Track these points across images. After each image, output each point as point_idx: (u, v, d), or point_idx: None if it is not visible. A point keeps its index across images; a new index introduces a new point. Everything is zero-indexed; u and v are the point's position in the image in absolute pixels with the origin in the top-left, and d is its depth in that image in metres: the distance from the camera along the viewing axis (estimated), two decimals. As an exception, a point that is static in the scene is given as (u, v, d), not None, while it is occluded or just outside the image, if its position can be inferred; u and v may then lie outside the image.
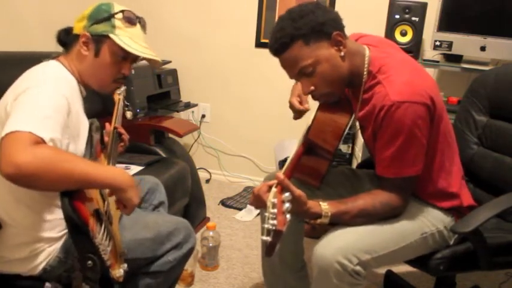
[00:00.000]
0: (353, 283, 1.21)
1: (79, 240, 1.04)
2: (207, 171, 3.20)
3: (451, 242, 1.38)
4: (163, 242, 1.37)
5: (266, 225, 0.94)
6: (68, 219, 1.02)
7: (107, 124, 1.46)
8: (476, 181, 1.66)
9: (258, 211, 2.63)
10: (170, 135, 2.47)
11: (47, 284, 1.21)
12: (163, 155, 2.30)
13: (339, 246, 1.21)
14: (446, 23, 2.25)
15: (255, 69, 2.97)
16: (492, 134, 1.64)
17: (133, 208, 1.14)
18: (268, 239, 0.93)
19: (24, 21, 2.59)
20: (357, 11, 2.56)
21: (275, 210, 0.96)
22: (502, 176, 1.57)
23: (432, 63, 2.35)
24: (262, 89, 2.99)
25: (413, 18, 2.24)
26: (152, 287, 1.37)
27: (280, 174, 1.11)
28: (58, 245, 1.20)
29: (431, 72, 2.55)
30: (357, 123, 1.46)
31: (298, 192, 1.16)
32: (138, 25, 1.32)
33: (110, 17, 1.25)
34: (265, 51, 2.91)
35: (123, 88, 1.60)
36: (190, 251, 1.44)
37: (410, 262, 1.40)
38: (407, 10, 2.25)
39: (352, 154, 2.71)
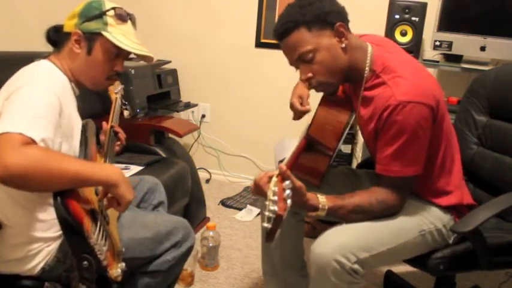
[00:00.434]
0: (351, 281, 1.22)
1: (73, 241, 1.03)
2: (207, 171, 3.20)
3: (451, 241, 1.38)
4: (162, 241, 1.36)
5: (267, 213, 0.95)
6: (61, 219, 1.01)
7: (104, 123, 1.46)
8: (476, 181, 1.66)
9: (258, 211, 2.63)
10: (170, 135, 2.47)
11: (46, 284, 1.21)
12: (163, 155, 2.30)
13: (337, 244, 1.22)
14: (446, 23, 2.25)
15: (255, 69, 2.97)
16: (492, 134, 1.64)
17: (127, 205, 1.13)
18: (269, 225, 0.95)
19: (24, 21, 2.59)
20: (357, 11, 2.55)
21: (276, 198, 0.97)
22: (502, 176, 1.57)
23: (432, 63, 2.35)
24: (262, 89, 2.99)
25: (413, 18, 2.24)
26: (151, 286, 1.37)
27: (283, 165, 1.11)
28: (56, 244, 1.20)
29: (431, 72, 2.55)
30: (357, 122, 1.46)
31: (299, 183, 1.17)
32: (129, 22, 1.31)
33: (101, 14, 1.25)
34: (265, 51, 2.95)
35: (120, 87, 1.60)
36: (189, 250, 1.44)
37: (410, 262, 1.40)
38: (407, 10, 2.25)
39: (352, 154, 2.71)
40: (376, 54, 1.32)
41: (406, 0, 2.26)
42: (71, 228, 1.02)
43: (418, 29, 2.25)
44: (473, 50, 2.23)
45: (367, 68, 1.31)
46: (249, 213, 2.64)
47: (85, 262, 1.02)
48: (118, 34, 1.26)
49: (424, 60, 2.38)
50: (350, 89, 1.44)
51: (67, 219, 1.01)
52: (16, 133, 0.99)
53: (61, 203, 1.01)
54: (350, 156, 2.70)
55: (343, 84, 1.50)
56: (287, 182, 1.02)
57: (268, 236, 0.98)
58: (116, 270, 1.09)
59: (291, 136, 2.63)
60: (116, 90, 1.58)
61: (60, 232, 1.20)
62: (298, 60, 1.30)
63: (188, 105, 2.84)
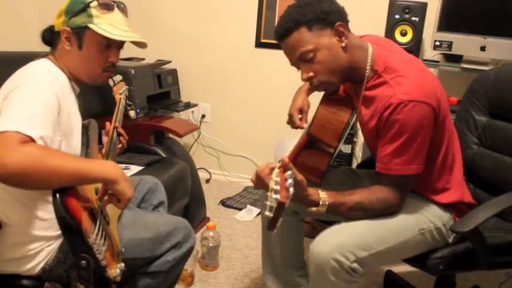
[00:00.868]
0: (350, 280, 1.22)
1: (71, 240, 1.03)
2: (207, 171, 3.20)
3: (450, 240, 1.38)
4: (163, 241, 1.36)
5: (268, 203, 0.96)
6: (60, 217, 1.01)
7: (107, 123, 1.46)
8: (476, 181, 1.66)
9: (258, 211, 2.63)
10: (170, 135, 2.47)
11: (47, 284, 1.21)
12: (163, 155, 2.30)
13: (336, 243, 1.22)
14: (446, 23, 2.25)
15: (255, 69, 2.97)
16: (492, 134, 1.64)
17: (127, 202, 1.13)
18: (271, 214, 0.96)
19: (24, 21, 2.59)
20: (357, 11, 2.55)
21: (278, 187, 0.98)
22: (502, 176, 1.57)
23: (432, 63, 2.35)
24: (262, 89, 2.99)
25: (413, 18, 2.24)
26: (151, 287, 1.37)
27: (286, 157, 1.12)
28: (57, 244, 1.20)
29: (432, 72, 2.55)
30: (358, 122, 1.47)
31: (300, 176, 1.18)
32: (116, 10, 1.29)
33: (85, 7, 1.24)
34: (265, 51, 2.95)
35: (124, 88, 1.60)
36: (190, 250, 1.44)
37: (409, 261, 1.40)
38: (407, 10, 2.25)
39: (352, 154, 2.71)
40: (377, 54, 1.32)
41: (406, 0, 2.26)
42: (69, 226, 1.02)
43: (418, 29, 2.25)
44: (473, 50, 2.23)
45: (368, 68, 1.32)
46: (249, 213, 2.64)
47: (83, 261, 1.02)
48: (105, 24, 1.25)
49: (424, 60, 2.38)
50: (351, 89, 1.45)
51: (65, 217, 1.01)
52: (14, 131, 0.99)
53: (60, 201, 1.01)
54: (350, 156, 2.70)
55: (344, 84, 1.50)
56: (289, 172, 1.03)
57: (270, 224, 0.99)
58: (115, 271, 1.09)
59: (291, 136, 2.62)
60: (120, 91, 1.58)
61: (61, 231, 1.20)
62: (299, 60, 1.30)
63: (188, 105, 2.84)
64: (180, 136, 2.37)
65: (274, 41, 1.33)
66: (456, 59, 2.33)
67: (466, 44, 2.23)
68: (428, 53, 2.43)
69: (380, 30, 2.26)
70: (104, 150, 1.37)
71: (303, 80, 1.33)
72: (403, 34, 2.28)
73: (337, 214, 1.30)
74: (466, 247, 1.37)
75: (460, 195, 1.40)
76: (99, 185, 1.17)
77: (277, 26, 1.31)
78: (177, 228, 1.41)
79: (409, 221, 1.33)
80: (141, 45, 1.34)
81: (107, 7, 1.26)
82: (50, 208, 1.16)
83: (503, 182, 1.55)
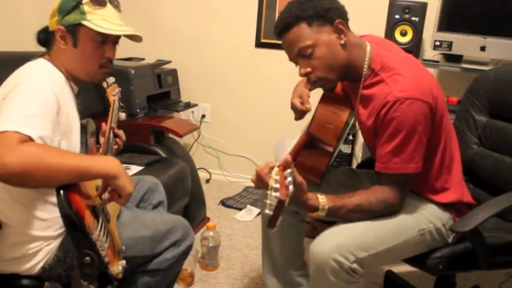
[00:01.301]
0: (350, 281, 1.22)
1: (76, 236, 1.04)
2: (207, 171, 3.20)
3: (450, 240, 1.38)
4: (162, 240, 1.37)
5: (268, 201, 0.97)
6: (65, 215, 1.02)
7: (103, 124, 1.46)
8: (476, 181, 1.66)
9: (258, 211, 2.63)
10: (170, 135, 2.47)
11: (46, 284, 1.21)
12: (163, 155, 2.30)
13: (335, 243, 1.22)
14: (446, 23, 2.25)
15: (255, 69, 2.97)
16: (492, 134, 1.64)
17: (128, 197, 1.13)
18: (270, 212, 0.97)
19: (23, 21, 2.59)
20: (357, 11, 2.55)
21: (277, 185, 0.99)
22: (502, 176, 1.57)
23: (432, 63, 2.35)
24: (262, 89, 2.99)
25: (413, 18, 2.24)
26: (151, 285, 1.37)
27: (289, 157, 1.12)
28: (56, 244, 1.20)
29: (432, 72, 2.54)
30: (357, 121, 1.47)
31: (300, 178, 1.18)
32: (108, 5, 1.29)
33: (77, 4, 1.23)
34: (265, 51, 2.94)
35: (117, 90, 1.60)
36: (189, 248, 1.45)
37: (409, 261, 1.40)
38: (407, 10, 2.25)
39: (352, 154, 2.71)
40: (375, 53, 1.33)
41: (406, 0, 2.26)
42: (73, 223, 1.02)
43: (418, 29, 2.25)
44: (473, 50, 2.23)
45: (365, 66, 1.32)
46: (249, 213, 2.64)
47: (87, 258, 1.03)
48: (98, 20, 1.24)
49: (424, 60, 2.38)
50: (349, 88, 1.45)
51: (69, 214, 1.01)
52: (13, 131, 0.99)
53: (64, 198, 1.02)
54: (350, 156, 2.70)
55: (343, 83, 1.50)
56: (289, 171, 1.04)
57: (270, 222, 0.99)
58: (117, 267, 1.09)
59: (291, 136, 2.63)
60: (113, 93, 1.59)
61: (61, 231, 1.20)
62: (297, 55, 1.31)
63: (188, 105, 2.84)
64: (180, 136, 2.37)
65: (274, 41, 1.35)
66: (456, 59, 2.33)
67: (466, 44, 2.23)
68: (428, 53, 2.43)
69: (380, 30, 2.26)
70: (101, 150, 1.37)
71: (301, 75, 1.34)
72: (403, 34, 2.28)
73: (337, 217, 1.29)
74: (466, 247, 1.36)
75: (459, 195, 1.40)
76: (99, 183, 1.17)
77: (277, 21, 1.32)
78: (176, 227, 1.41)
79: (408, 222, 1.33)
80: (136, 38, 1.34)
81: (99, 3, 1.26)
82: (49, 208, 1.17)
83: (503, 182, 1.55)
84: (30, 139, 1.01)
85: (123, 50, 3.02)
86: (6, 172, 0.96)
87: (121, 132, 1.50)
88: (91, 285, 1.04)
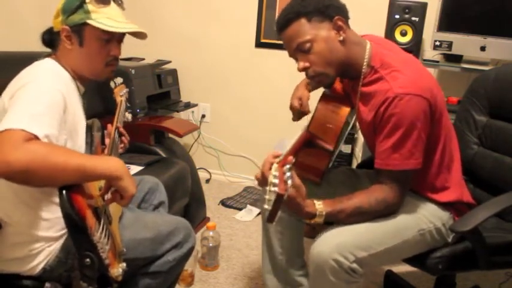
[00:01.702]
0: (350, 280, 1.22)
1: (77, 237, 1.04)
2: (207, 171, 3.20)
3: (450, 240, 1.38)
4: (163, 241, 1.37)
5: (267, 196, 0.98)
6: (66, 215, 1.02)
7: (109, 125, 1.46)
8: (476, 181, 1.66)
9: (258, 211, 2.63)
10: (170, 135, 2.47)
11: (47, 284, 1.21)
12: (163, 155, 2.30)
13: (335, 243, 1.22)
14: (446, 23, 2.25)
15: (255, 69, 2.97)
16: (492, 134, 1.64)
17: (130, 198, 1.13)
18: (269, 207, 0.98)
19: (24, 21, 2.59)
20: (358, 11, 2.55)
21: (277, 181, 1.00)
22: (502, 176, 1.57)
23: (432, 63, 2.35)
24: (262, 89, 2.99)
25: (413, 18, 2.24)
26: (152, 287, 1.37)
27: (291, 157, 1.13)
28: (57, 244, 1.20)
29: (432, 72, 2.55)
30: (357, 119, 1.47)
31: (299, 181, 1.19)
32: (112, 3, 1.29)
33: (81, 4, 1.24)
34: (265, 51, 2.94)
35: (125, 90, 1.60)
36: (190, 250, 1.44)
37: (409, 261, 1.40)
38: (407, 10, 2.25)
39: (352, 154, 2.71)
40: (374, 51, 1.34)
41: (406, 0, 2.26)
42: (74, 224, 1.02)
43: (418, 29, 2.25)
44: (473, 50, 2.23)
45: (365, 64, 1.33)
46: (249, 213, 2.64)
47: (87, 259, 1.03)
48: (103, 18, 1.25)
49: (424, 60, 2.38)
50: (349, 86, 1.45)
51: (71, 214, 1.01)
52: (18, 129, 1.00)
53: (66, 198, 1.02)
54: (350, 156, 2.70)
55: (343, 81, 1.50)
56: (287, 166, 1.04)
57: (269, 216, 1.00)
58: (117, 270, 1.09)
59: (291, 136, 2.63)
60: (121, 93, 1.58)
61: (62, 232, 1.20)
62: (296, 50, 1.32)
63: (188, 105, 2.84)
64: (180, 136, 2.37)
65: (274, 41, 1.36)
66: (456, 59, 2.33)
67: (466, 44, 2.23)
68: (428, 53, 2.43)
69: (380, 30, 2.26)
70: (106, 151, 1.37)
71: (299, 69, 1.35)
72: (403, 34, 2.28)
73: (337, 221, 1.29)
74: (466, 247, 1.37)
75: (459, 195, 1.40)
76: (103, 184, 1.17)
77: (278, 17, 1.34)
78: (177, 228, 1.41)
79: (408, 221, 1.33)
80: (140, 36, 1.34)
81: (103, 1, 1.26)
82: (53, 208, 1.17)
83: (503, 182, 1.55)
84: (36, 137, 1.02)
85: (123, 50, 3.01)
86: (11, 170, 0.96)
87: (125, 132, 1.50)
88: (90, 286, 1.04)
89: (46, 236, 1.18)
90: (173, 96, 2.83)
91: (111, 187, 1.13)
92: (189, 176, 2.27)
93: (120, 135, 1.48)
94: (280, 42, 1.36)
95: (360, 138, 2.71)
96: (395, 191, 1.29)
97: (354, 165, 2.71)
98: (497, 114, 1.64)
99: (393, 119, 1.24)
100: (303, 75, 1.39)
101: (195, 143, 3.20)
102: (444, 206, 1.39)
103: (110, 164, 1.11)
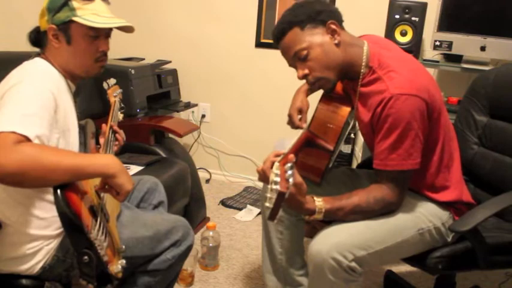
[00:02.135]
0: (349, 279, 1.23)
1: (74, 235, 1.03)
2: (207, 171, 3.20)
3: (449, 240, 1.38)
4: (162, 240, 1.37)
5: (268, 194, 0.99)
6: (62, 214, 1.01)
7: (103, 125, 1.46)
8: (477, 181, 1.66)
9: (258, 211, 2.63)
10: (170, 135, 2.47)
11: (47, 284, 1.21)
12: (163, 155, 2.30)
13: (334, 242, 1.23)
14: (446, 23, 2.25)
15: (255, 69, 2.97)
16: (492, 134, 1.64)
17: (127, 194, 1.13)
18: (270, 205, 0.98)
19: (24, 21, 2.59)
20: (357, 11, 2.56)
21: (278, 179, 1.00)
22: (502, 176, 1.57)
23: (432, 63, 2.35)
24: (262, 89, 2.99)
25: (413, 18, 2.24)
26: (151, 285, 1.37)
27: (292, 155, 1.14)
28: (56, 243, 1.20)
29: (431, 72, 2.55)
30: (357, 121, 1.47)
31: (300, 179, 1.19)
32: None
33: (66, 1, 1.23)
34: (266, 51, 2.95)
35: (119, 91, 1.60)
36: (189, 248, 1.45)
37: (408, 260, 1.40)
38: (407, 10, 2.25)
39: (352, 154, 2.71)
40: (372, 51, 1.34)
41: (406, 0, 2.26)
42: (70, 222, 1.02)
43: (418, 29, 2.25)
44: (473, 50, 2.23)
45: (363, 64, 1.34)
46: (249, 213, 2.64)
47: (85, 257, 1.02)
48: (89, 15, 1.24)
49: (424, 60, 2.38)
50: (349, 87, 1.46)
51: (67, 213, 1.01)
52: (9, 132, 0.99)
53: (61, 197, 1.02)
54: (350, 156, 2.70)
55: (343, 82, 1.50)
56: (289, 164, 1.05)
57: (270, 214, 1.01)
58: (116, 267, 1.09)
59: (291, 136, 2.63)
60: (114, 94, 1.59)
61: (60, 230, 1.20)
62: (294, 58, 1.34)
63: (188, 105, 2.84)
64: (180, 136, 2.37)
65: (276, 44, 1.37)
66: (456, 59, 2.33)
67: (466, 44, 2.23)
68: (428, 53, 2.43)
69: (380, 30, 2.26)
70: (101, 150, 1.37)
71: (299, 77, 1.36)
72: (403, 34, 2.28)
73: (336, 219, 1.30)
74: (465, 246, 1.37)
75: (458, 194, 1.40)
76: (98, 182, 1.16)
77: (273, 29, 1.36)
78: (176, 227, 1.41)
79: (408, 221, 1.33)
80: (128, 29, 1.34)
81: None
82: (47, 207, 1.17)
83: (503, 182, 1.55)
84: (27, 139, 1.01)
85: (123, 50, 3.02)
86: (3, 173, 0.96)
87: (121, 133, 1.50)
88: (90, 284, 1.04)
89: (44, 234, 1.18)
90: (173, 96, 2.83)
91: (106, 184, 1.13)
92: (189, 176, 2.27)
93: (115, 133, 1.48)
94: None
95: (360, 138, 2.71)
96: (394, 191, 1.29)
97: (354, 165, 2.71)
98: (497, 114, 1.64)
99: (390, 119, 1.24)
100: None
101: (195, 143, 3.20)
102: (444, 205, 1.39)
103: (104, 161, 1.10)
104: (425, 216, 1.35)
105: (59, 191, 1.02)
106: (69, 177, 1.05)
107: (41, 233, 1.18)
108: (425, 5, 2.25)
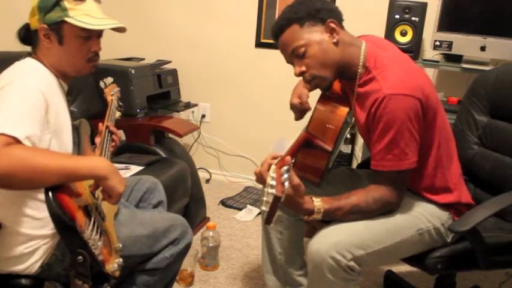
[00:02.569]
0: (347, 279, 1.23)
1: (66, 236, 1.03)
2: (207, 171, 3.20)
3: (449, 240, 1.38)
4: (160, 238, 1.36)
5: (265, 198, 0.99)
6: (53, 215, 1.01)
7: (100, 124, 1.46)
8: (477, 181, 1.66)
9: (258, 211, 2.63)
10: (170, 135, 2.47)
11: (46, 284, 1.21)
12: (163, 155, 2.30)
13: (333, 241, 1.23)
14: (446, 23, 2.25)
15: (255, 69, 2.97)
16: (492, 134, 1.64)
17: (118, 197, 1.13)
18: (266, 209, 0.99)
19: (24, 21, 2.58)
20: (357, 11, 2.56)
21: (274, 182, 1.01)
22: (502, 176, 1.57)
23: (432, 63, 2.35)
24: (262, 89, 2.99)
25: (413, 18, 2.25)
26: (150, 284, 1.37)
27: (289, 158, 1.14)
28: (53, 242, 1.20)
29: (432, 72, 2.55)
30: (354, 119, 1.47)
31: (297, 180, 1.19)
32: None
33: (57, 1, 1.22)
34: (266, 51, 2.95)
35: (116, 89, 1.60)
36: (187, 247, 1.44)
37: (408, 260, 1.40)
38: (407, 10, 2.25)
39: (352, 154, 2.71)
40: (369, 51, 1.34)
41: (406, 0, 2.26)
42: (63, 223, 1.02)
43: (418, 29, 2.25)
44: (473, 50, 2.23)
45: (360, 64, 1.34)
46: (249, 213, 2.64)
47: (79, 257, 1.02)
48: (81, 16, 1.23)
49: (424, 60, 2.38)
50: (347, 87, 1.46)
51: (59, 214, 1.01)
52: None
53: (52, 199, 1.02)
54: (350, 156, 2.70)
55: (341, 82, 1.50)
56: (285, 168, 1.05)
57: (267, 218, 1.01)
58: (113, 265, 1.09)
59: (290, 136, 2.63)
60: (111, 93, 1.59)
61: (57, 230, 1.20)
62: (292, 55, 1.34)
63: (188, 105, 2.84)
64: (180, 136, 2.37)
65: (274, 42, 1.37)
66: (456, 59, 2.33)
67: (466, 44, 2.23)
68: (428, 53, 2.43)
69: (380, 30, 2.26)
70: (97, 150, 1.36)
71: (296, 75, 1.36)
72: (403, 34, 2.28)
73: (335, 219, 1.30)
74: (465, 246, 1.36)
75: (457, 196, 1.40)
76: (92, 181, 1.16)
77: (273, 25, 1.36)
78: (174, 225, 1.41)
79: (407, 221, 1.33)
80: (120, 30, 1.33)
81: None
82: (41, 206, 1.16)
83: (504, 182, 1.55)
84: (17, 140, 1.01)
85: (123, 50, 3.02)
86: None
87: (118, 131, 1.49)
88: (85, 284, 1.04)
89: (40, 234, 1.18)
90: (173, 96, 2.83)
91: (99, 185, 1.13)
92: (189, 176, 2.27)
93: (111, 133, 1.47)
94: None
95: (360, 138, 2.71)
96: (392, 191, 1.29)
97: (354, 165, 2.71)
98: (497, 114, 1.64)
99: (384, 119, 1.24)
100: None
101: (195, 143, 3.20)
102: (444, 206, 1.39)
103: (94, 164, 1.10)
104: (424, 217, 1.35)
105: (50, 192, 1.02)
106: (60, 180, 1.05)
107: (37, 233, 1.18)
108: (425, 5, 2.25)
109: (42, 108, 1.13)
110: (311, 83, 1.37)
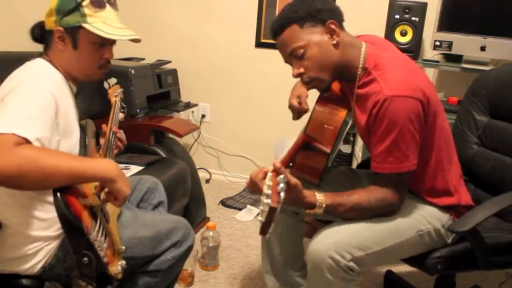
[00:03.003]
0: (347, 279, 1.23)
1: (73, 237, 1.04)
2: (207, 171, 3.20)
3: (449, 241, 1.38)
4: (162, 240, 1.36)
5: (261, 207, 0.97)
6: (61, 215, 1.02)
7: (104, 126, 1.46)
8: (477, 181, 1.66)
9: (258, 211, 2.63)
10: (170, 135, 2.47)
11: (47, 284, 1.21)
12: (163, 155, 2.30)
13: (333, 241, 1.23)
14: (446, 23, 2.25)
15: (255, 69, 2.97)
16: (492, 134, 1.64)
17: (124, 199, 1.13)
18: (262, 219, 0.96)
19: (24, 21, 2.58)
20: (357, 11, 2.56)
21: (270, 192, 0.98)
22: (502, 176, 1.57)
23: (432, 63, 2.35)
24: (262, 88, 2.99)
25: (413, 18, 2.25)
26: (151, 285, 1.37)
27: (277, 162, 1.13)
28: (56, 243, 1.20)
29: (432, 72, 2.55)
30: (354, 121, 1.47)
31: (294, 180, 1.18)
32: (107, 6, 1.27)
33: (77, 6, 1.22)
34: (266, 51, 2.95)
35: (119, 90, 1.60)
36: (189, 249, 1.44)
37: (408, 261, 1.40)
38: (407, 10, 2.25)
39: (352, 154, 2.71)
40: (369, 52, 1.33)
41: (406, 0, 2.26)
42: (70, 224, 1.02)
43: (418, 29, 2.25)
44: (473, 50, 2.23)
45: (360, 66, 1.33)
46: (249, 213, 2.64)
47: (85, 258, 1.03)
48: (98, 23, 1.23)
49: (424, 60, 2.38)
50: (347, 88, 1.45)
51: (66, 215, 1.01)
52: (9, 134, 0.99)
53: (61, 199, 1.02)
54: (350, 156, 2.70)
55: (341, 83, 1.50)
56: (281, 176, 1.03)
57: (262, 229, 0.99)
58: (116, 268, 1.09)
59: (290, 136, 2.63)
60: (115, 94, 1.58)
61: (61, 231, 1.20)
62: (290, 56, 1.32)
63: (188, 105, 2.84)
64: (180, 136, 2.37)
65: (274, 41, 1.36)
66: (456, 59, 2.33)
67: (466, 44, 2.23)
68: (428, 53, 2.43)
69: (380, 30, 2.26)
70: (101, 151, 1.37)
71: (294, 76, 1.35)
72: (403, 34, 2.28)
73: (336, 215, 1.30)
74: (465, 247, 1.36)
75: (457, 199, 1.40)
76: (97, 184, 1.17)
77: (272, 24, 1.34)
78: (176, 227, 1.41)
79: (407, 222, 1.33)
80: (136, 41, 1.33)
81: (99, 5, 1.24)
82: (49, 208, 1.17)
83: (504, 182, 1.55)
84: (27, 141, 1.01)
85: (123, 50, 3.02)
86: (2, 175, 0.96)
87: (122, 135, 1.50)
88: (89, 286, 1.04)
89: (44, 235, 1.18)
90: (173, 96, 2.83)
91: (104, 187, 1.13)
92: (189, 176, 2.27)
93: (115, 134, 1.47)
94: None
95: (360, 138, 2.71)
96: (393, 192, 1.29)
97: (354, 165, 2.71)
98: (497, 114, 1.64)
99: (385, 121, 1.23)
100: None
101: (195, 143, 3.20)
102: (444, 208, 1.39)
103: (102, 166, 1.10)
104: (424, 218, 1.35)
105: (58, 193, 1.03)
106: (68, 181, 1.05)
107: (41, 234, 1.18)
108: (425, 5, 2.25)
109: (52, 110, 1.13)
110: (309, 84, 1.36)
